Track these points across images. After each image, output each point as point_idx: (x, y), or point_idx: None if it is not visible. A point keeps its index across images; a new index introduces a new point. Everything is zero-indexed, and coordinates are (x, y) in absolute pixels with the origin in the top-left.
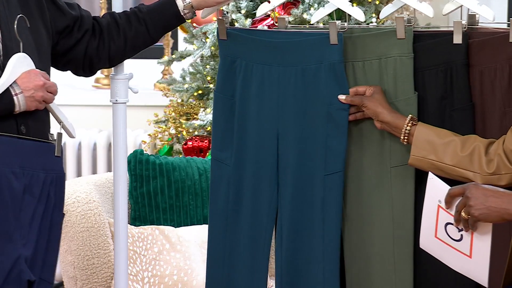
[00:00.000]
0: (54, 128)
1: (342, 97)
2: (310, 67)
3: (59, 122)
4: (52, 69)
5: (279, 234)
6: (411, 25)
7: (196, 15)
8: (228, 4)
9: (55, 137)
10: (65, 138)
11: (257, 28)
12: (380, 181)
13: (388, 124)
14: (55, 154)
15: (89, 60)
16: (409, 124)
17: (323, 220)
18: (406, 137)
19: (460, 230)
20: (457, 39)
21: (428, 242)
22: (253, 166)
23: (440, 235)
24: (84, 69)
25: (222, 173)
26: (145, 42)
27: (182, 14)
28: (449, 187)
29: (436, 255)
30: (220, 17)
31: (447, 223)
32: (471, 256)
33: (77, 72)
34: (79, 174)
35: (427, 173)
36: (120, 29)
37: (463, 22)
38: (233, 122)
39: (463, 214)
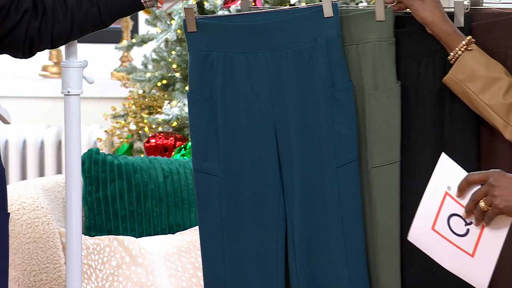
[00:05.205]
0: None
1: None
2: (303, 47)
3: None
4: None
5: (291, 244)
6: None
7: (158, 3)
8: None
9: None
10: (6, 135)
11: (231, 13)
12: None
13: (438, 37)
14: None
15: (30, 42)
16: (462, 49)
17: (341, 219)
18: (454, 60)
19: (467, 224)
20: (459, 21)
21: (421, 234)
22: (250, 171)
23: (439, 227)
24: (24, 52)
25: (210, 186)
26: (95, 25)
27: (142, 1)
28: (466, 173)
29: (425, 250)
30: (188, 6)
31: (452, 214)
32: (474, 255)
33: (16, 56)
34: (24, 176)
35: (415, 174)
36: (67, 9)
37: (466, 2)
38: (216, 125)
39: (482, 204)
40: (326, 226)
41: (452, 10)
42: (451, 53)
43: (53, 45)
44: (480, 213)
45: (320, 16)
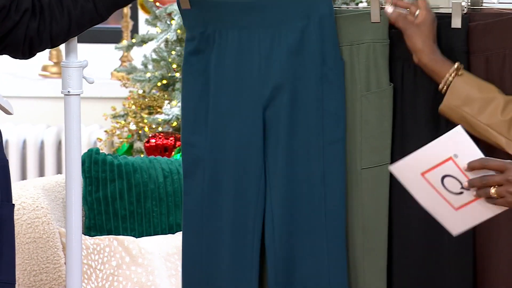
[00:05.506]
0: None
1: (389, 10)
2: (296, 25)
3: None
4: None
5: (270, 220)
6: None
7: None
8: None
9: None
10: (6, 135)
11: None
12: (348, 184)
13: (425, 67)
14: None
15: (29, 42)
16: (453, 75)
17: (324, 196)
18: (446, 87)
19: (463, 188)
20: (456, 23)
21: (408, 173)
22: (234, 147)
23: (430, 176)
24: (24, 53)
25: (196, 159)
26: (92, 20)
27: None
28: (482, 155)
29: (405, 184)
30: None
31: (449, 175)
32: (457, 210)
33: (15, 56)
34: (24, 176)
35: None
36: (63, 7)
37: (463, 3)
38: (207, 100)
39: (492, 191)
40: (309, 204)
41: (450, 10)
42: (442, 82)
43: (53, 44)
44: (486, 194)
45: None
